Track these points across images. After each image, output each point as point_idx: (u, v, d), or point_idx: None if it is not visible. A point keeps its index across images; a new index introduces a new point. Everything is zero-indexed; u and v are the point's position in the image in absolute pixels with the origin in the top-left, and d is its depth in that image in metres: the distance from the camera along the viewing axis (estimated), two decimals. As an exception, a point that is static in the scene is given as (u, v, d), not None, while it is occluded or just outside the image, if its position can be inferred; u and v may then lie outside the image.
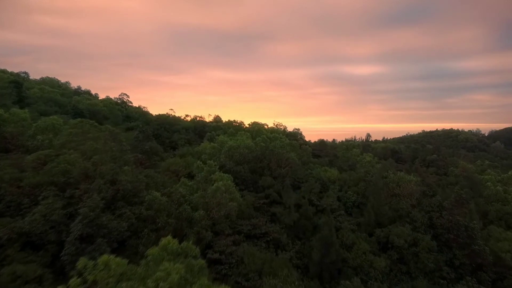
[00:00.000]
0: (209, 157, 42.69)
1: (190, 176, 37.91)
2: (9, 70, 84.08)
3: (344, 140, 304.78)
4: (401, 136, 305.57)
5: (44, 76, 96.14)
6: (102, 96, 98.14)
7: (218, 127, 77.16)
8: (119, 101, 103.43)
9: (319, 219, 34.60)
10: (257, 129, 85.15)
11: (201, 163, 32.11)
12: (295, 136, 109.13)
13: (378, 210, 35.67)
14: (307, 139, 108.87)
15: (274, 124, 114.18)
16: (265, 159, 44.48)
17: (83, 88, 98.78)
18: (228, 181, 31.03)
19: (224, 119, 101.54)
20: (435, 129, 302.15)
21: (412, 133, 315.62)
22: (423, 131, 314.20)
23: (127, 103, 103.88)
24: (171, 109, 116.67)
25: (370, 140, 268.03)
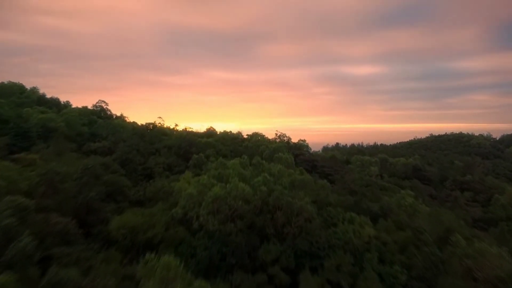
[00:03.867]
0: (187, 205, 28.78)
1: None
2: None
3: (349, 144, 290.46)
4: (408, 140, 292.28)
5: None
6: (86, 102, 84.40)
7: (209, 145, 63.11)
8: (97, 109, 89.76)
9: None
10: (256, 145, 71.26)
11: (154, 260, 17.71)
12: (301, 148, 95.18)
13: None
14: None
15: (276, 134, 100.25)
16: (267, 210, 30.60)
17: (55, 96, 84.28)
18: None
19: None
20: (444, 133, 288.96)
21: (420, 137, 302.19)
22: (431, 135, 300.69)
23: (106, 111, 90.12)
24: (159, 117, 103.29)
25: (377, 144, 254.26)
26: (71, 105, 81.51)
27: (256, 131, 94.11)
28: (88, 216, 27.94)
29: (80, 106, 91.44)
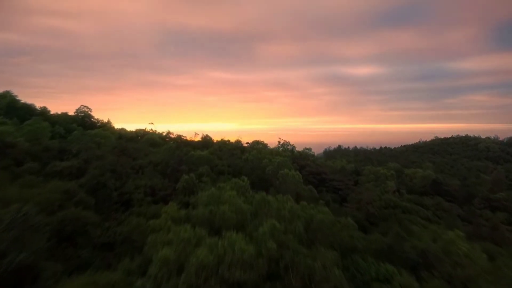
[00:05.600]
0: (161, 275, 19.65)
1: None
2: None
3: (350, 146, 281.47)
4: (413, 143, 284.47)
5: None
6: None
7: (203, 159, 54.01)
8: (81, 115, 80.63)
9: None
10: (258, 158, 62.12)
11: None
12: (306, 158, 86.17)
13: None
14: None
15: (279, 142, 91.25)
16: (277, 273, 21.53)
17: (29, 101, 74.53)
18: None
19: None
20: (449, 135, 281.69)
21: (425, 140, 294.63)
22: (436, 137, 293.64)
23: (90, 117, 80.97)
24: (151, 123, 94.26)
25: (381, 147, 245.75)
26: (48, 112, 72.28)
27: (257, 139, 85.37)
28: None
29: (65, 111, 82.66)
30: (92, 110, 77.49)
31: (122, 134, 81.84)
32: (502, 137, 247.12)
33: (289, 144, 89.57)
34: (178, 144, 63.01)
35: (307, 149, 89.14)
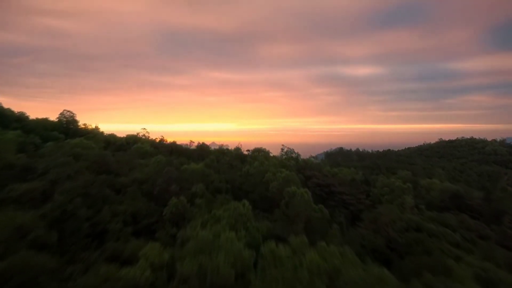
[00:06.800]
0: None
1: None
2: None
3: (352, 147, 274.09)
4: (418, 145, 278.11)
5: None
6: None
7: (197, 175, 46.64)
8: (64, 121, 73.20)
9: None
10: (260, 172, 54.73)
11: None
12: (312, 168, 78.76)
13: None
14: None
15: (282, 149, 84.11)
16: None
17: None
18: None
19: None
20: (455, 138, 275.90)
21: (429, 142, 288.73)
22: (441, 139, 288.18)
23: (75, 123, 73.54)
24: (144, 129, 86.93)
25: (385, 150, 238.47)
26: (26, 118, 64.80)
27: (259, 146, 78.16)
28: None
29: (46, 117, 75.26)
30: (76, 115, 70.02)
31: (111, 141, 74.56)
32: (502, 137, 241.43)
33: (293, 151, 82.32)
34: (170, 158, 55.49)
35: (313, 157, 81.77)
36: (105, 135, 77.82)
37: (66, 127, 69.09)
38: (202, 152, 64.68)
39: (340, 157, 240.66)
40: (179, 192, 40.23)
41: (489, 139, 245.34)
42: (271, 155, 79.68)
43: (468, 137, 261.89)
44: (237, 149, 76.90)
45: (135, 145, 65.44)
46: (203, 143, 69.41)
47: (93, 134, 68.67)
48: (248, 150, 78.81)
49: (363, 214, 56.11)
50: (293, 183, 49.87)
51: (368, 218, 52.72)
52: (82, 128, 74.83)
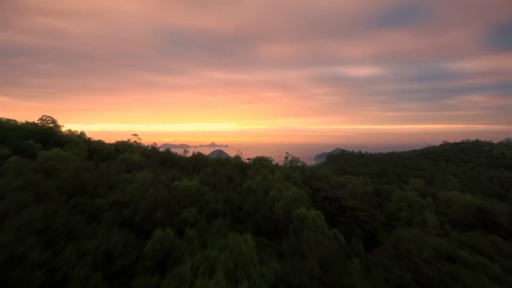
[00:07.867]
0: None
1: None
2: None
3: (355, 149, 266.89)
4: (422, 148, 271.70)
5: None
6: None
7: (190, 195, 39.44)
8: (44, 128, 65.95)
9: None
10: (264, 186, 47.60)
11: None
12: (319, 179, 71.79)
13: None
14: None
15: (286, 157, 77.12)
16: None
17: None
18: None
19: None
20: (460, 141, 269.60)
21: (434, 145, 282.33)
22: (445, 142, 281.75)
23: (57, 130, 66.26)
24: (135, 135, 79.85)
25: (390, 152, 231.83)
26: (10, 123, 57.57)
27: (261, 155, 71.07)
28: None
29: (27, 120, 68.23)
30: (57, 120, 62.82)
31: (98, 149, 67.36)
32: (502, 137, 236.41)
33: (298, 160, 75.29)
34: (159, 173, 48.18)
35: (320, 166, 74.62)
36: (92, 142, 70.67)
37: (46, 134, 61.87)
38: (197, 163, 57.53)
39: (342, 160, 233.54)
40: (166, 218, 33.06)
41: (489, 139, 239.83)
42: (274, 162, 72.85)
43: (473, 140, 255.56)
44: (237, 158, 69.79)
45: (122, 155, 58.23)
46: (198, 153, 62.17)
47: (76, 143, 61.43)
48: (249, 159, 71.79)
49: (379, 234, 49.17)
50: (302, 203, 42.81)
51: (389, 243, 45.45)
52: (65, 134, 67.63)
